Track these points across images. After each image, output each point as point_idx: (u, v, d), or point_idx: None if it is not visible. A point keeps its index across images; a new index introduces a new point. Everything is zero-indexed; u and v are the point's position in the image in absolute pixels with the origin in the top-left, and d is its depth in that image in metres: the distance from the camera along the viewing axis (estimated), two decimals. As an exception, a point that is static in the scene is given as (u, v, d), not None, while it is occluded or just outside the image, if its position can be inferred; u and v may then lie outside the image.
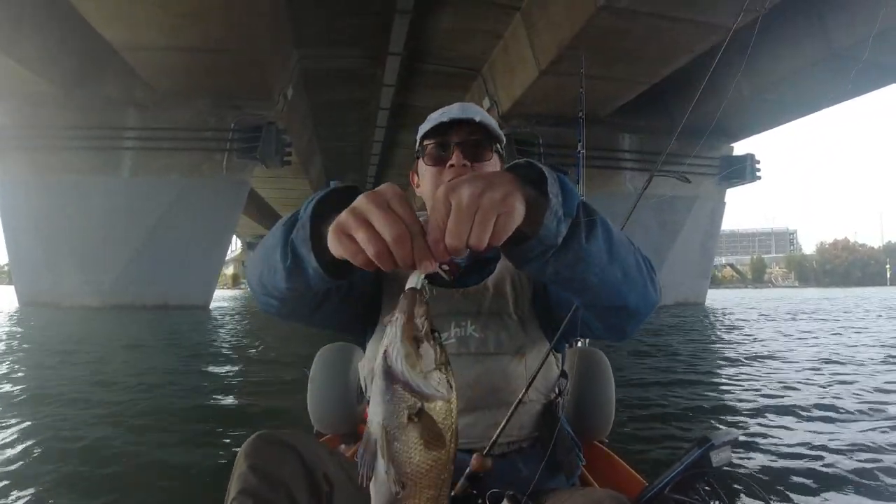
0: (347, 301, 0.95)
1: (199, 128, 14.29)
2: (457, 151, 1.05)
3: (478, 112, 1.09)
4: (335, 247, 0.54)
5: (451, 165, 1.04)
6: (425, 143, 1.10)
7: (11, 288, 14.98)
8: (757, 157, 18.14)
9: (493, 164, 1.06)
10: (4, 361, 5.73)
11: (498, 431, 0.88)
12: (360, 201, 0.51)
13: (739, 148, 18.89)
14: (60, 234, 13.53)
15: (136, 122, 14.13)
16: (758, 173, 18.16)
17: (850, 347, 7.31)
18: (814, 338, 8.61)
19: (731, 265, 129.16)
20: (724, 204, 18.82)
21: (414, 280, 0.49)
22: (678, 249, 17.26)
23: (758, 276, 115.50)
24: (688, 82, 15.06)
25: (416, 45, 14.71)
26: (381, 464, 0.45)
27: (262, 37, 11.10)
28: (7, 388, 4.37)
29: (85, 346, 7.15)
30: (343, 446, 1.48)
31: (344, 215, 0.52)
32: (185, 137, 14.13)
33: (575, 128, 3.99)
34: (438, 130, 1.07)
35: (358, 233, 0.50)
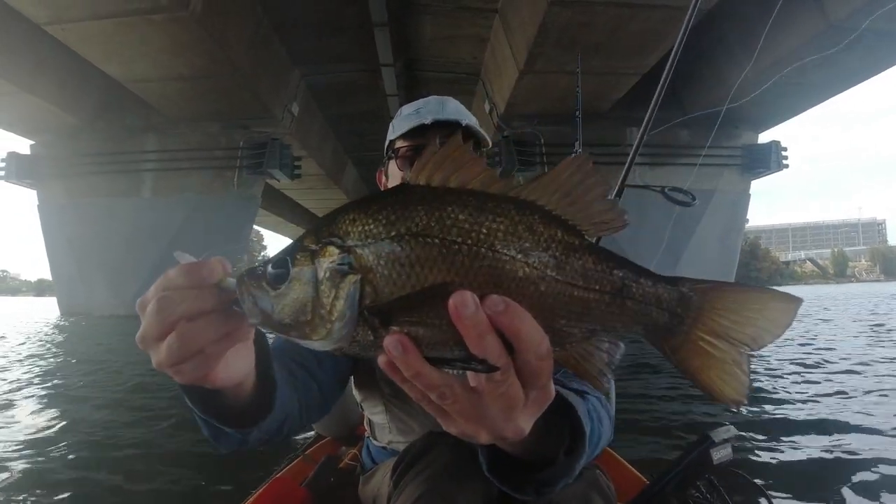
0: (345, 365, 0.94)
1: (211, 147, 15.40)
2: None
3: (460, 111, 1.01)
4: (180, 378, 0.44)
5: None
6: (399, 144, 1.00)
7: (54, 299, 16.79)
8: (783, 144, 16.88)
9: None
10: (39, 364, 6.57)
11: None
12: (138, 337, 0.43)
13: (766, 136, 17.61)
14: (91, 250, 15.03)
15: (155, 146, 15.47)
16: (784, 161, 16.86)
17: (855, 346, 6.97)
18: (817, 337, 8.15)
19: (811, 259, 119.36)
20: (748, 196, 17.58)
21: (234, 281, 0.42)
22: (694, 246, 16.32)
23: (840, 271, 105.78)
24: (696, 70, 14.39)
25: (408, 55, 15.07)
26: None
27: (243, 61, 11.82)
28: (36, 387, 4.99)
29: (105, 349, 7.96)
30: (343, 448, 1.61)
31: (142, 347, 0.44)
32: (198, 157, 15.28)
33: (574, 125, 3.99)
34: (418, 131, 0.97)
35: (159, 346, 0.42)
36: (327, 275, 0.38)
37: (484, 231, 0.38)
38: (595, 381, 0.42)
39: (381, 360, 0.38)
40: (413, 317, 0.38)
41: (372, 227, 0.38)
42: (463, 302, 0.36)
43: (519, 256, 0.38)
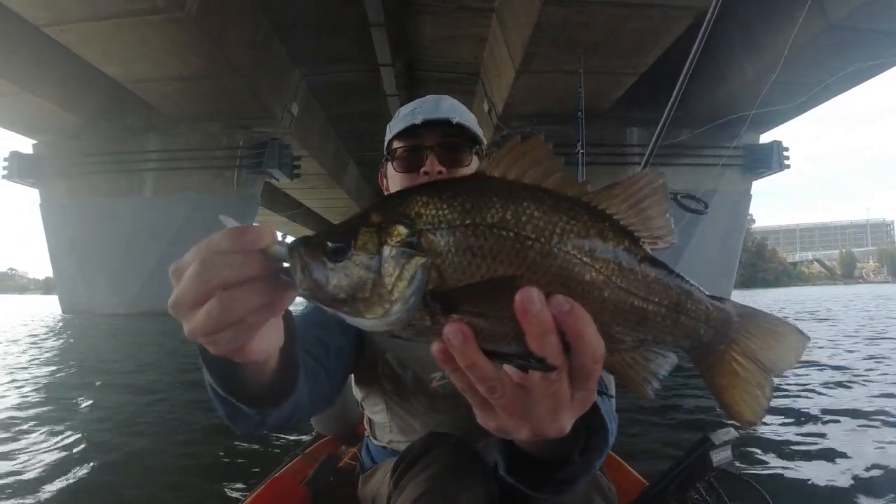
0: (349, 357, 0.95)
1: (212, 147, 15.49)
2: (431, 157, 0.94)
3: (455, 109, 0.99)
4: (214, 348, 0.41)
5: (426, 173, 0.94)
6: (395, 145, 0.99)
7: (55, 297, 16.95)
8: (785, 144, 16.78)
9: (471, 170, 0.94)
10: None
11: None
12: (171, 301, 0.40)
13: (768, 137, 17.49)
14: (93, 249, 15.14)
15: (156, 146, 15.56)
16: (786, 161, 16.77)
17: (857, 347, 6.98)
18: (818, 338, 8.13)
19: (819, 260, 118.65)
20: (749, 196, 17.49)
21: (281, 249, 0.39)
22: (695, 245, 16.24)
23: (848, 272, 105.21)
24: (698, 69, 14.29)
25: (408, 55, 15.07)
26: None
27: (243, 61, 11.87)
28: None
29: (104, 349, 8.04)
30: (343, 447, 1.62)
31: (175, 313, 0.41)
32: (199, 157, 15.36)
33: (575, 125, 3.95)
34: (410, 132, 0.96)
35: (194, 313, 0.39)
36: (393, 253, 0.37)
37: (558, 231, 0.38)
38: (640, 388, 0.43)
39: (436, 347, 0.38)
40: (477, 307, 0.37)
41: (446, 212, 0.38)
42: (530, 298, 0.36)
43: (588, 260, 0.39)
